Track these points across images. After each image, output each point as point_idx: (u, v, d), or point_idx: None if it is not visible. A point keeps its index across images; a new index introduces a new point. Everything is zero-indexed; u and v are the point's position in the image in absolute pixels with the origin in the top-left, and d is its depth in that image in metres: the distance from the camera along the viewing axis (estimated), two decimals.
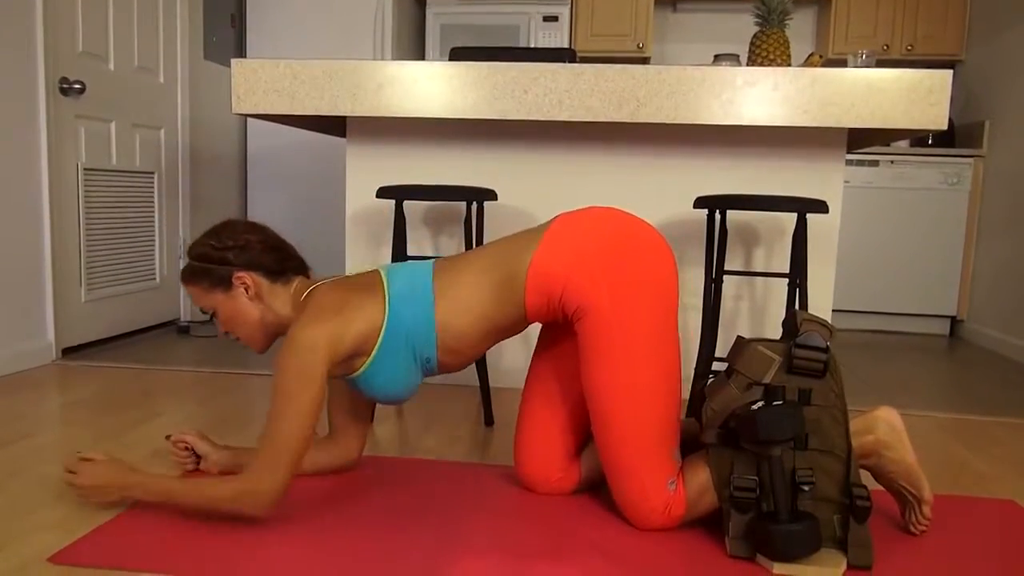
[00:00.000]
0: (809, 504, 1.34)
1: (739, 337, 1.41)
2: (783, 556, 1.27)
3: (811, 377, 1.35)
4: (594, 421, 1.45)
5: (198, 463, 1.68)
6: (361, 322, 1.41)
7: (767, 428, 1.27)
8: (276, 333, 1.55)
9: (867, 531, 1.32)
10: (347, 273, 1.55)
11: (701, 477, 1.41)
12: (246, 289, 1.49)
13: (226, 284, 1.49)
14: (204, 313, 1.54)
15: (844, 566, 1.30)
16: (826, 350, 1.33)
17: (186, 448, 1.67)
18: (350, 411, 1.67)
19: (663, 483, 1.41)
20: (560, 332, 1.58)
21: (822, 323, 1.37)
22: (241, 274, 1.48)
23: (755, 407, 1.31)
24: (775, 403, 1.32)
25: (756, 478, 1.33)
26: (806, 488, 1.32)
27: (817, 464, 1.34)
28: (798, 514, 1.30)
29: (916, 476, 1.45)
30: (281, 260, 1.53)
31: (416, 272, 1.48)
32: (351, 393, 1.66)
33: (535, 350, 1.61)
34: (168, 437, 1.68)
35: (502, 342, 2.56)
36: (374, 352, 1.43)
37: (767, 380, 1.35)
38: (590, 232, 1.43)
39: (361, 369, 1.45)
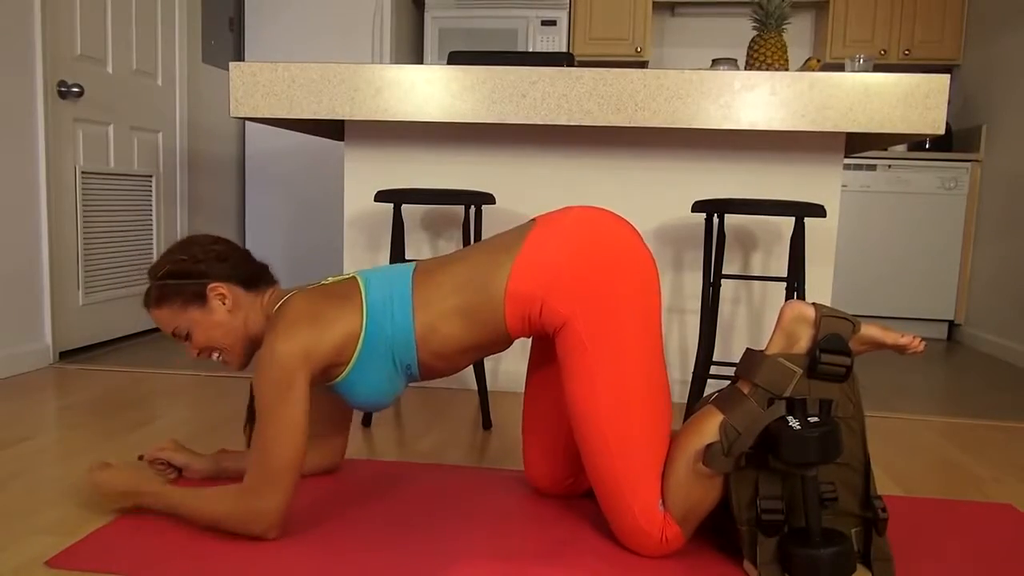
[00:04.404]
0: (829, 519, 1.29)
1: (749, 349, 1.34)
2: None
3: (834, 381, 1.29)
4: (579, 442, 1.37)
5: (180, 474, 1.65)
6: (337, 331, 1.36)
7: (819, 450, 1.20)
8: (255, 346, 1.51)
9: (887, 544, 1.28)
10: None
11: (675, 477, 1.32)
12: (223, 300, 1.45)
13: (201, 299, 1.44)
14: (175, 337, 1.48)
15: None
16: (851, 353, 1.28)
17: (162, 463, 1.63)
18: (328, 418, 1.67)
19: (654, 506, 1.32)
20: (551, 341, 1.53)
21: (841, 317, 1.31)
22: (216, 284, 1.44)
23: (791, 424, 1.23)
24: (811, 419, 1.24)
25: (781, 498, 1.27)
26: (828, 504, 1.27)
27: (838, 478, 1.29)
28: (828, 533, 1.24)
29: (870, 338, 1.35)
30: (255, 270, 1.50)
31: (395, 279, 1.42)
32: (329, 400, 1.64)
33: (530, 357, 1.58)
34: (141, 457, 1.64)
35: None
36: (353, 361, 1.39)
37: (788, 393, 1.28)
38: (565, 243, 1.36)
39: (340, 377, 1.41)
